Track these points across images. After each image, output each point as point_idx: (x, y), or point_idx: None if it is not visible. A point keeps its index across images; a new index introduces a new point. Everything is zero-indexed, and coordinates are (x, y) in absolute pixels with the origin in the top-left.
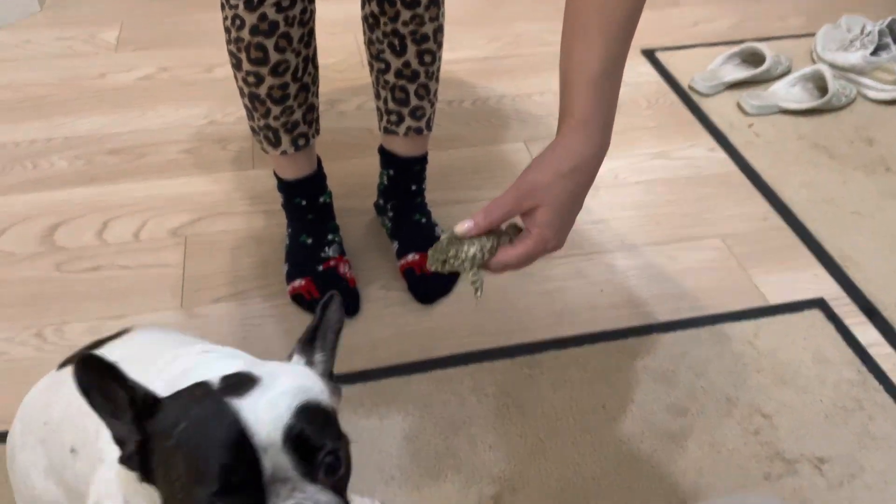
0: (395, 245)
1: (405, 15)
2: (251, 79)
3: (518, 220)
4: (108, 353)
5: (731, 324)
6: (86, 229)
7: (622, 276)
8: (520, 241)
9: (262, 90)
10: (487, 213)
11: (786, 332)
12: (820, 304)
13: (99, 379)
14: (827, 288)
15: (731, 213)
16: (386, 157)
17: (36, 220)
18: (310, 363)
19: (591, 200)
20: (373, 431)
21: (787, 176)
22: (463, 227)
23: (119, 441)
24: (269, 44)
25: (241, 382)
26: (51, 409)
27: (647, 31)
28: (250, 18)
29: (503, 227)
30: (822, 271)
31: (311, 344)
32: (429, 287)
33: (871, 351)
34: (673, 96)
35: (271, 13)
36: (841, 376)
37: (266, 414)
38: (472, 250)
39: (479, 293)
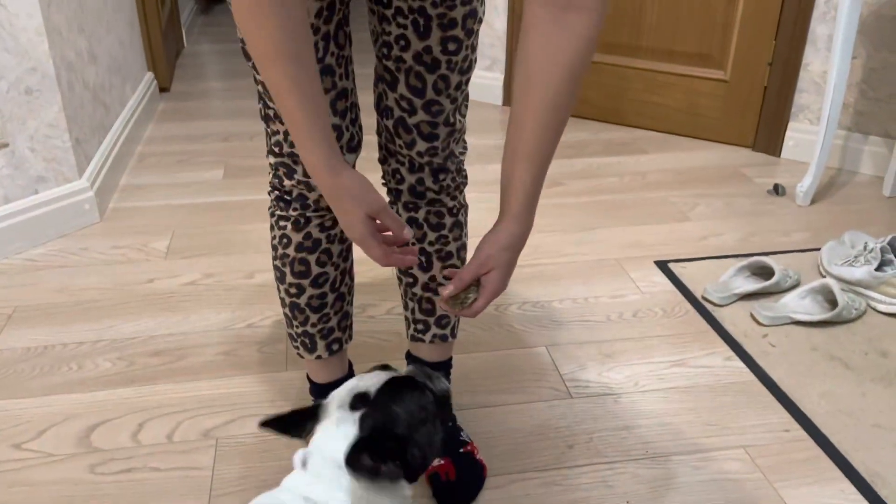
0: None
1: (431, 236)
2: (293, 290)
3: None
4: None
5: None
6: (122, 430)
7: (648, 486)
8: (481, 295)
9: (303, 300)
10: (460, 279)
11: None
12: None
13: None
14: None
15: (753, 423)
16: (413, 362)
17: (75, 420)
18: None
19: (613, 405)
20: None
21: (805, 387)
22: (448, 289)
23: None
24: (312, 259)
25: None
26: None
27: (659, 244)
28: (297, 237)
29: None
30: (848, 486)
31: None
32: (455, 493)
33: None
34: (687, 305)
35: (315, 232)
36: None
37: None
38: (462, 297)
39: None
